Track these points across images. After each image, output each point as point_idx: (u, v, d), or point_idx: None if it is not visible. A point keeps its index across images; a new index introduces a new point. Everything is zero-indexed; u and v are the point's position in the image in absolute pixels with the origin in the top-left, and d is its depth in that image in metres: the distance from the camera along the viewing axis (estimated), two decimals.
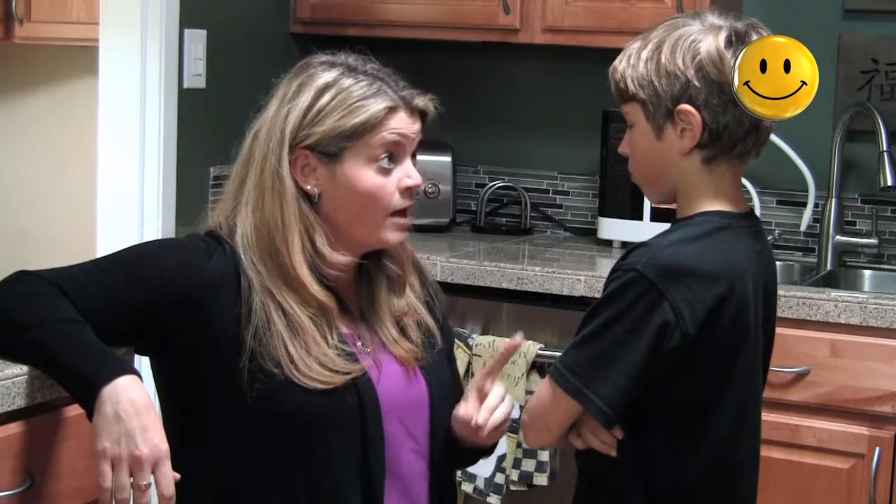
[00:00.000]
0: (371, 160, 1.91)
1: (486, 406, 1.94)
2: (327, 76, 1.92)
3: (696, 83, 1.85)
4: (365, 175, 1.91)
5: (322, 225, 1.92)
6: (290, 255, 1.89)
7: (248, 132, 1.97)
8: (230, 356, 1.85)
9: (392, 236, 1.95)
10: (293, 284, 1.89)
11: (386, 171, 1.92)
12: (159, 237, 3.24)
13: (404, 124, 1.92)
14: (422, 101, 1.95)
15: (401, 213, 1.94)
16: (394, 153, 1.92)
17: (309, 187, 1.92)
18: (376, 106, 1.89)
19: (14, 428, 1.84)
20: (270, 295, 1.88)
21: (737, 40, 1.86)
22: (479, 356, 3.18)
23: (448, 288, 2.93)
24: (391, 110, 1.90)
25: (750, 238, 1.93)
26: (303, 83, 1.92)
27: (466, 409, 1.96)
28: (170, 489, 1.72)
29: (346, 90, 1.90)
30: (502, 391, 1.97)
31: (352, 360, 1.91)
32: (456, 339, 3.03)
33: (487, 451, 2.10)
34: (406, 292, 2.03)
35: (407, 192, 1.94)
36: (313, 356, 1.87)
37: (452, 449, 2.02)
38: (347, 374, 1.88)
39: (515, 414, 3.10)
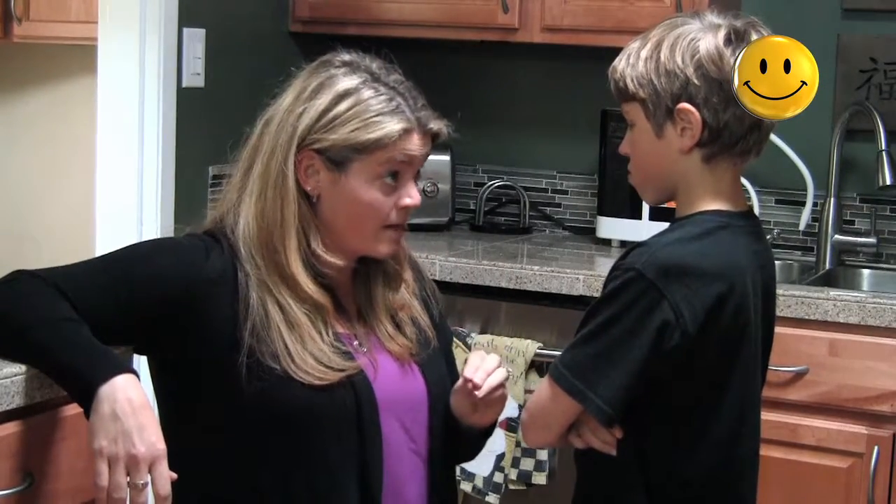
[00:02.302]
0: (376, 176, 1.90)
1: (482, 368, 1.92)
2: (348, 83, 1.90)
3: (696, 81, 1.85)
4: (367, 190, 1.90)
5: (318, 226, 1.92)
6: (287, 253, 1.89)
7: (260, 119, 1.96)
8: (228, 354, 1.85)
9: (384, 248, 1.95)
10: (289, 281, 1.89)
11: (388, 189, 1.91)
12: (158, 236, 3.24)
13: (415, 146, 1.91)
14: (437, 125, 1.94)
15: (395, 226, 1.94)
16: (399, 171, 1.92)
17: (309, 188, 1.92)
18: (392, 126, 1.88)
19: (13, 427, 1.84)
20: (267, 289, 1.89)
21: (736, 39, 1.86)
22: None
23: (447, 287, 2.93)
24: (406, 132, 1.89)
25: (749, 237, 1.93)
26: (322, 84, 1.91)
27: (463, 377, 1.93)
28: (166, 488, 1.72)
29: (364, 102, 1.89)
30: (497, 359, 1.95)
31: (347, 357, 1.90)
32: (455, 339, 3.03)
33: (486, 433, 2.07)
34: (402, 287, 2.03)
35: (404, 209, 1.94)
36: (308, 351, 1.87)
37: (452, 438, 2.01)
38: (342, 370, 1.88)
39: (515, 413, 3.12)
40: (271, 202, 1.90)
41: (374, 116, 1.88)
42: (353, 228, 1.93)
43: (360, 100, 1.89)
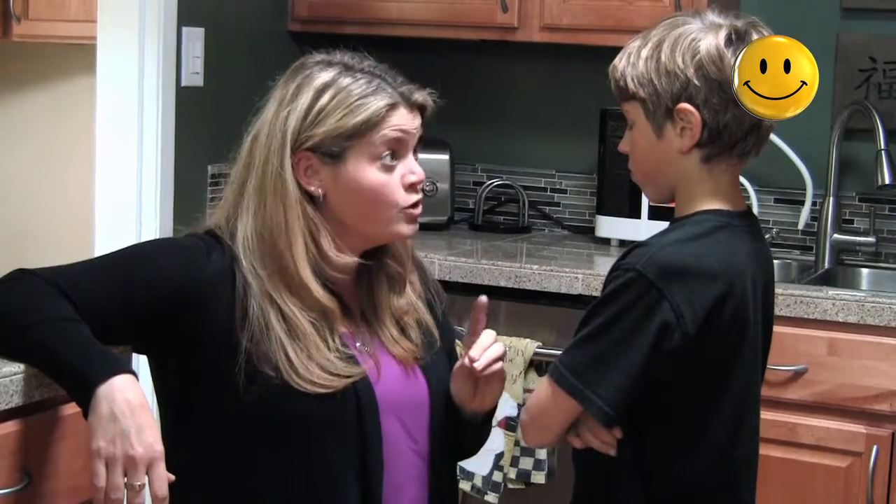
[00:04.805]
0: (374, 158, 1.90)
1: (479, 344, 1.91)
2: (325, 76, 1.91)
3: (696, 82, 1.85)
4: (368, 173, 1.90)
5: (326, 226, 1.91)
6: (294, 259, 1.88)
7: (246, 136, 1.96)
8: (226, 357, 1.84)
9: (405, 229, 1.95)
10: (296, 289, 1.88)
11: (389, 169, 1.91)
12: (157, 235, 3.24)
13: (405, 120, 1.91)
14: (421, 95, 1.94)
15: (412, 205, 1.94)
16: (396, 150, 1.92)
17: (313, 188, 1.91)
18: (377, 103, 1.89)
19: (11, 426, 1.83)
20: (270, 299, 1.87)
21: (737, 39, 1.86)
22: None
23: (446, 286, 2.91)
24: (391, 107, 1.90)
25: (748, 237, 1.93)
26: (301, 84, 1.91)
27: (461, 358, 1.93)
28: (163, 490, 1.72)
29: (345, 89, 1.89)
30: (493, 334, 1.94)
31: (352, 362, 1.90)
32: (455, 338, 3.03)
33: (487, 419, 2.06)
34: (406, 290, 2.03)
35: (411, 187, 1.93)
36: (315, 361, 1.86)
37: (456, 431, 2.01)
38: (349, 377, 1.88)
39: (514, 412, 3.12)
40: (272, 211, 1.89)
41: (358, 100, 1.89)
42: (367, 217, 1.92)
43: (340, 88, 1.89)
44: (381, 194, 1.91)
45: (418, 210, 1.95)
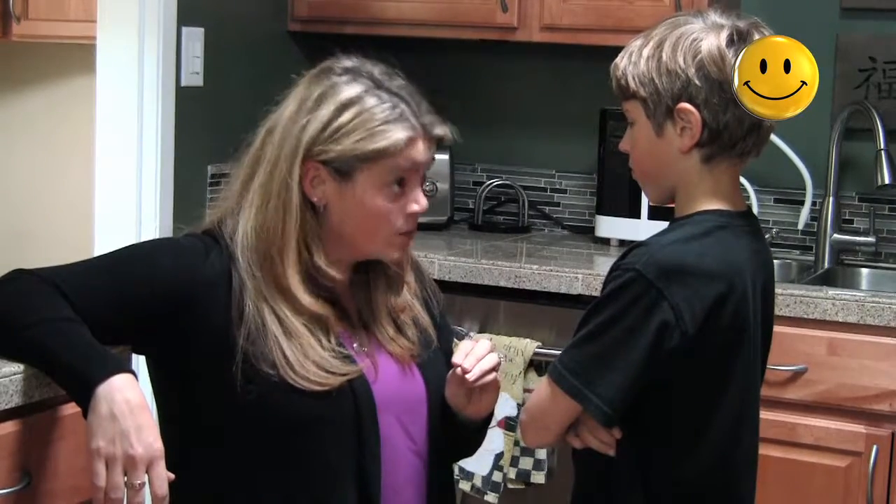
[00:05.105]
0: (382, 184, 1.89)
1: (473, 353, 1.91)
2: (350, 91, 1.89)
3: (697, 82, 1.85)
4: (374, 198, 1.89)
5: (322, 237, 1.91)
6: (284, 266, 1.88)
7: (261, 127, 1.94)
8: (224, 357, 1.84)
9: (394, 253, 1.95)
10: (285, 294, 1.89)
11: (395, 197, 1.91)
12: (157, 235, 3.24)
13: (421, 154, 1.90)
14: (441, 129, 1.93)
15: (406, 232, 1.94)
16: (405, 178, 1.91)
17: (316, 199, 1.91)
18: (397, 135, 1.87)
19: (11, 426, 1.84)
20: (265, 300, 1.88)
21: (738, 39, 1.86)
22: None
23: (446, 286, 2.93)
24: (411, 140, 1.88)
25: (748, 237, 1.93)
26: (325, 93, 1.89)
27: (452, 363, 1.93)
28: (163, 489, 1.72)
29: (368, 111, 1.87)
30: (488, 344, 1.94)
31: (348, 361, 1.90)
32: (454, 338, 3.03)
33: (483, 425, 2.06)
34: (403, 290, 2.03)
35: (412, 216, 1.93)
36: (310, 358, 1.86)
37: (452, 434, 2.01)
38: (344, 375, 1.88)
39: (514, 412, 3.12)
40: (273, 213, 1.89)
41: (379, 125, 1.87)
42: (364, 235, 1.92)
43: (363, 109, 1.88)
44: (381, 218, 1.91)
45: (410, 238, 1.96)
